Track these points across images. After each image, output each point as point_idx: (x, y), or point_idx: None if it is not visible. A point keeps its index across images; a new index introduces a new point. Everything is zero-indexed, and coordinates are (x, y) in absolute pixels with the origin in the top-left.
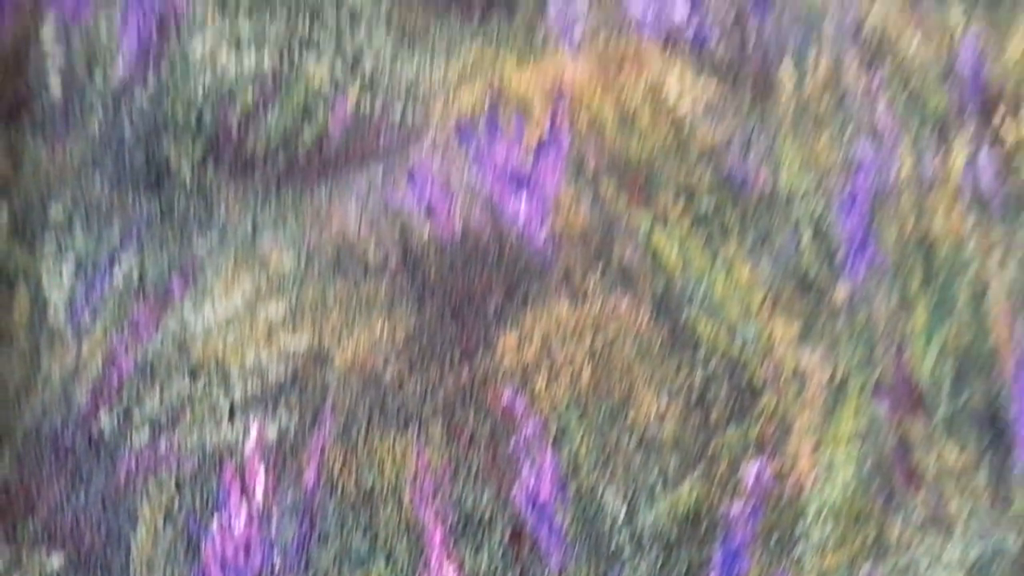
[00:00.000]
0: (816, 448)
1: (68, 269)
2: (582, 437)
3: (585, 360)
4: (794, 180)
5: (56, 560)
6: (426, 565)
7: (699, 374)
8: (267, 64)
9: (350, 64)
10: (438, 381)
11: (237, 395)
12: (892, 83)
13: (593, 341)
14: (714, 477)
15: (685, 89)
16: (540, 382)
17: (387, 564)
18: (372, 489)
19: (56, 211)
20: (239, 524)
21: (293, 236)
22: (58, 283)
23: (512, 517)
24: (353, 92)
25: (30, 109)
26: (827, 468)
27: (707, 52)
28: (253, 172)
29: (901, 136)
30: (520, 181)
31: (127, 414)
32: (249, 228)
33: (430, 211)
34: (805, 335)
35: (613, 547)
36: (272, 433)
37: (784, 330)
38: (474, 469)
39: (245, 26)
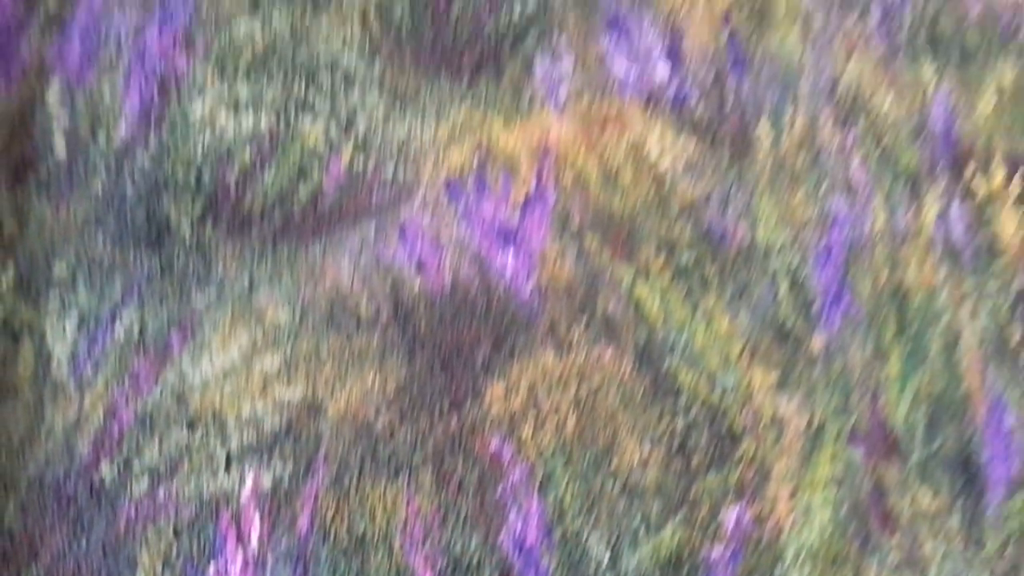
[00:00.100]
0: (794, 493)
1: (71, 324)
2: (567, 483)
3: (570, 408)
4: (771, 234)
5: None
6: None
7: (680, 422)
8: (264, 125)
9: (344, 125)
10: (428, 430)
11: (233, 445)
12: (866, 140)
13: (578, 390)
14: (695, 522)
15: (666, 147)
16: (527, 430)
17: None
18: (364, 535)
19: (60, 268)
20: (235, 570)
21: (288, 291)
22: (61, 337)
23: (499, 562)
24: (347, 152)
25: (36, 169)
26: (805, 512)
27: (687, 111)
28: (250, 229)
29: (875, 191)
30: (507, 236)
31: (127, 464)
32: (246, 283)
33: (420, 266)
34: (783, 383)
35: None
36: (267, 481)
37: (762, 378)
38: (463, 515)
39: (243, 89)
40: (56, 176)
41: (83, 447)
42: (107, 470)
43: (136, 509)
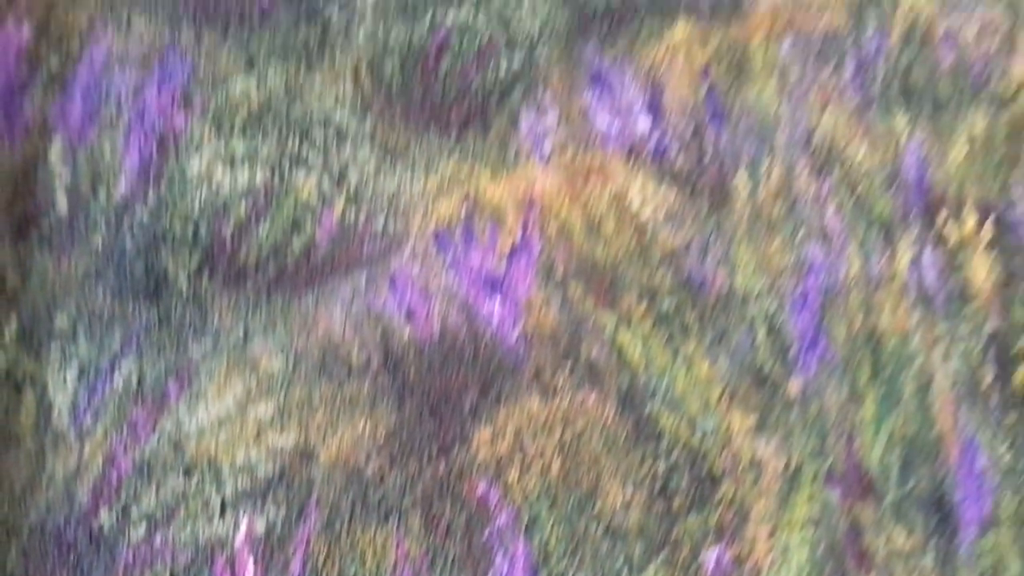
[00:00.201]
0: (772, 533)
1: (72, 374)
2: (552, 526)
3: (555, 453)
4: (749, 281)
5: None
6: None
7: (662, 464)
8: (259, 180)
9: (336, 179)
10: (417, 475)
11: (228, 491)
12: (840, 189)
13: (562, 435)
14: (677, 563)
15: (647, 198)
16: (513, 474)
17: None
18: None
19: (61, 320)
20: None
21: (282, 340)
22: (62, 388)
23: None
24: (339, 205)
25: (38, 225)
26: (783, 552)
27: (668, 163)
28: (245, 281)
29: (849, 238)
30: (494, 285)
31: (125, 511)
32: (241, 334)
33: (410, 314)
34: (761, 426)
35: None
36: (261, 527)
37: (741, 422)
38: (450, 558)
39: (239, 145)
40: (58, 231)
41: (83, 495)
42: (106, 517)
43: (134, 555)
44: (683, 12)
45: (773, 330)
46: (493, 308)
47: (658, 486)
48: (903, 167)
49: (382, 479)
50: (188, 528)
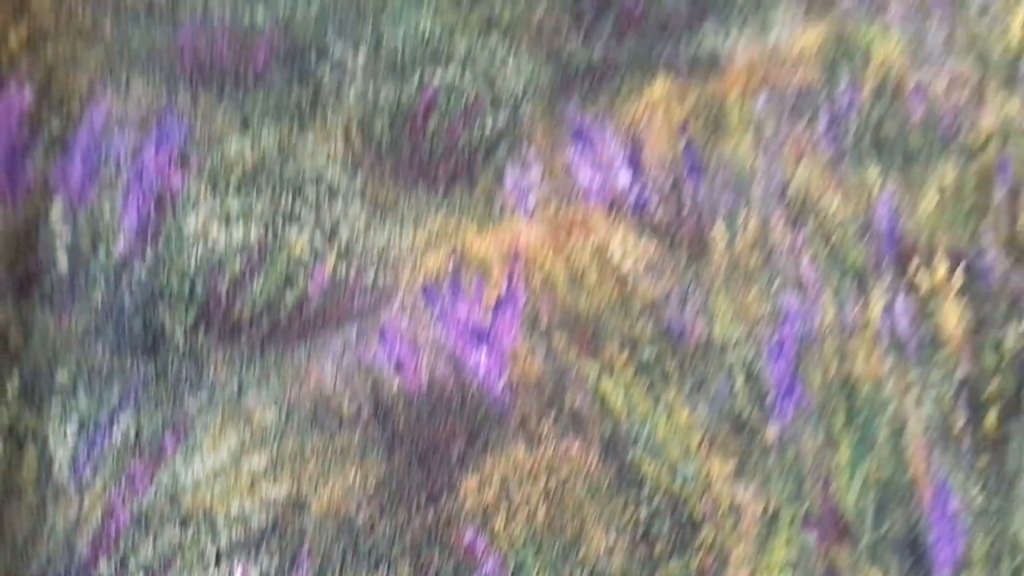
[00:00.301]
0: None
1: (72, 429)
2: (538, 572)
3: (540, 500)
4: (727, 330)
5: None
6: None
7: (644, 510)
8: (253, 236)
9: (328, 234)
10: (406, 523)
11: (223, 542)
12: (815, 239)
13: (547, 482)
14: None
15: (628, 250)
16: (499, 522)
17: None
18: None
19: (62, 376)
20: None
21: (275, 393)
22: (63, 442)
23: None
24: (330, 260)
25: (39, 283)
26: None
27: (647, 216)
28: (240, 335)
29: (824, 287)
30: (480, 336)
31: (124, 562)
32: (235, 387)
33: (399, 366)
34: (740, 472)
35: None
36: None
37: (720, 468)
38: None
39: (234, 203)
40: (59, 289)
41: (82, 546)
42: (105, 568)
43: None
44: (662, 69)
45: (751, 377)
46: (480, 359)
47: (640, 531)
48: (875, 217)
49: (372, 528)
50: None
